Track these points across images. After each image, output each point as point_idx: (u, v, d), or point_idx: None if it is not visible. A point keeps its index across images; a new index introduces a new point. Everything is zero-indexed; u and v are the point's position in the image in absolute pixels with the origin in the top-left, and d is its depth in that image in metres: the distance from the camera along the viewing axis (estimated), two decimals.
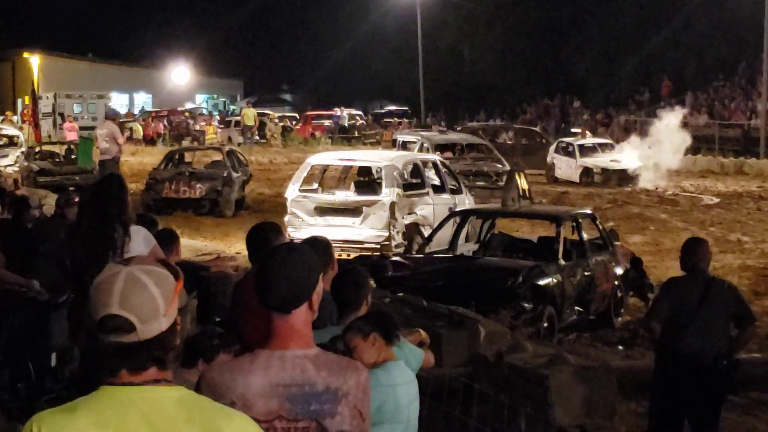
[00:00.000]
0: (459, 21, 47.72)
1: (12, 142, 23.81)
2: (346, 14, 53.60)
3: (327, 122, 41.28)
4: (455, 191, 13.08)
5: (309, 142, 36.82)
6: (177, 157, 18.71)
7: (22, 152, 22.33)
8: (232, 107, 51.43)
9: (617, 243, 10.55)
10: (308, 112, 45.30)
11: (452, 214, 11.07)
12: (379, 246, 11.54)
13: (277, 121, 38.30)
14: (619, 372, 6.22)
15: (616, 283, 9.72)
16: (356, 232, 11.73)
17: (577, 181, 23.77)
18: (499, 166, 18.88)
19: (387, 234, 11.62)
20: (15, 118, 34.85)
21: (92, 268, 4.68)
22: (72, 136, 27.68)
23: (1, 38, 49.92)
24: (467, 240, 10.79)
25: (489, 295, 8.05)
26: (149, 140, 35.66)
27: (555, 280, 8.65)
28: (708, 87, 36.92)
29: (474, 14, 47.01)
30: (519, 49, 47.00)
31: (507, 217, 12.03)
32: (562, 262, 8.98)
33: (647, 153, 23.65)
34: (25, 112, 32.23)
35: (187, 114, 41.02)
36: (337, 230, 11.36)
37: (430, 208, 12.35)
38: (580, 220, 9.88)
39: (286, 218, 12.02)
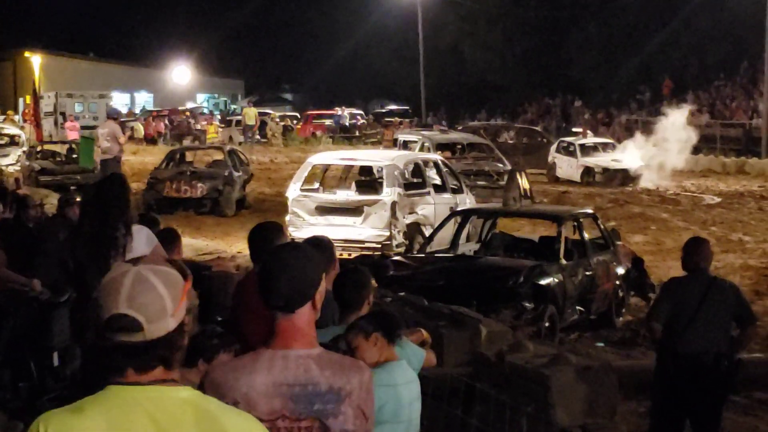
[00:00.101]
0: (460, 20, 47.70)
1: (13, 141, 23.85)
2: (347, 14, 53.60)
3: (328, 122, 41.28)
4: (456, 191, 13.08)
5: (310, 142, 36.82)
6: (178, 156, 18.72)
7: (24, 151, 22.37)
8: (233, 106, 51.46)
9: (618, 243, 10.54)
10: (309, 112, 45.29)
11: (453, 213, 11.06)
12: (380, 245, 11.55)
13: (278, 120, 38.28)
14: (621, 372, 6.21)
15: (617, 282, 9.71)
16: (357, 232, 11.73)
17: (578, 180, 23.76)
18: (500, 165, 18.87)
19: (388, 233, 11.62)
20: (16, 118, 34.89)
21: (94, 268, 4.70)
22: (73, 135, 27.70)
23: (3, 38, 49.94)
24: (468, 239, 10.78)
25: (490, 295, 8.05)
26: (150, 140, 35.68)
27: (556, 280, 8.65)
28: (709, 86, 36.90)
29: (475, 13, 46.99)
30: (520, 49, 47.00)
31: (508, 216, 12.03)
32: (564, 261, 8.97)
33: (652, 152, 23.63)
34: (27, 111, 32.22)
35: (188, 113, 41.03)
36: (338, 230, 11.36)
37: (431, 207, 12.35)
38: (581, 220, 9.87)
39: (288, 218, 12.02)
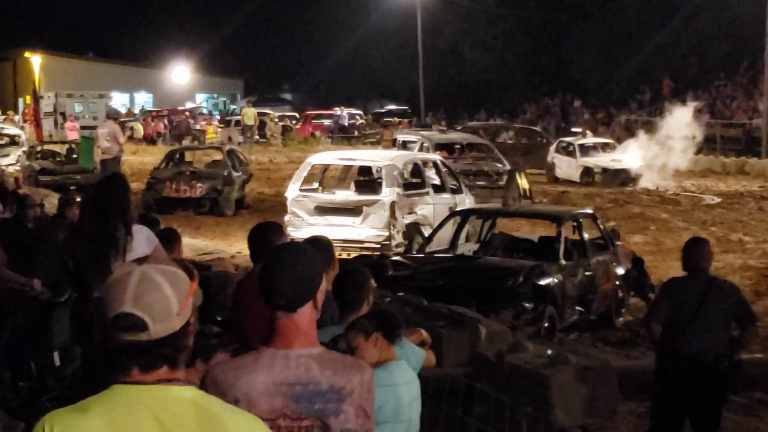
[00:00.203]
0: (459, 20, 47.69)
1: (13, 141, 23.85)
2: (346, 14, 53.59)
3: (327, 122, 41.27)
4: (455, 191, 13.08)
5: (309, 142, 36.82)
6: (177, 156, 18.72)
7: (24, 151, 22.37)
8: (232, 107, 51.45)
9: (618, 243, 10.54)
10: (308, 112, 45.29)
11: (453, 213, 11.06)
12: (379, 246, 11.55)
13: (277, 120, 38.28)
14: (620, 372, 6.22)
15: (617, 283, 9.71)
16: (356, 232, 11.74)
17: (578, 180, 23.75)
18: (500, 165, 18.87)
19: (387, 234, 11.63)
20: (16, 118, 34.89)
21: (94, 268, 4.70)
22: (73, 135, 27.70)
23: (3, 38, 49.93)
24: (468, 240, 10.78)
25: (490, 295, 8.05)
26: (149, 140, 35.68)
27: (556, 280, 8.65)
28: (709, 86, 36.90)
29: (474, 13, 46.99)
30: (519, 48, 46.98)
31: (507, 216, 12.02)
32: (563, 261, 8.97)
33: (655, 152, 23.62)
34: (27, 111, 32.26)
35: (187, 113, 41.03)
36: (337, 230, 11.36)
37: (430, 207, 12.35)
38: (581, 220, 9.87)
39: (287, 218, 12.02)
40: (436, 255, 9.77)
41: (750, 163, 27.83)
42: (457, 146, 20.40)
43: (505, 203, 10.29)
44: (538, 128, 32.39)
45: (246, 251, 4.09)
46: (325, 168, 14.11)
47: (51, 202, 12.41)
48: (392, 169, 12.12)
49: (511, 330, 6.99)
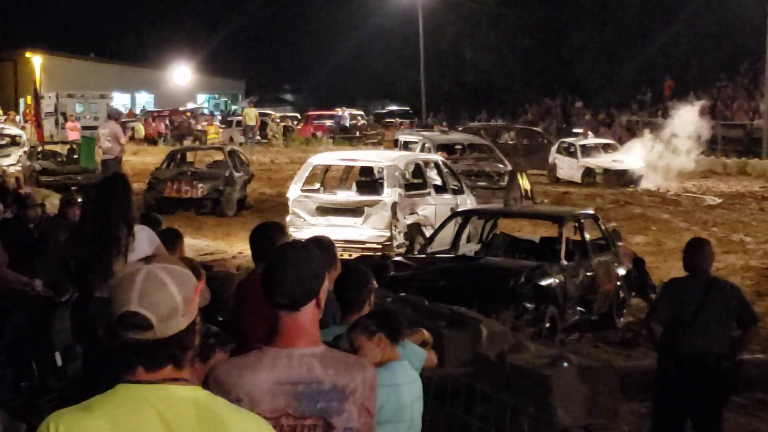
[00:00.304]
0: (460, 21, 47.70)
1: (14, 141, 23.87)
2: (348, 14, 53.64)
3: (328, 122, 41.27)
4: (457, 191, 13.08)
5: (310, 142, 36.82)
6: (179, 156, 18.74)
7: (25, 152, 22.39)
8: (233, 107, 51.47)
9: (619, 243, 10.54)
10: (310, 112, 45.30)
11: (454, 214, 11.06)
12: (380, 246, 11.55)
13: (278, 121, 38.28)
14: (622, 372, 6.22)
15: (618, 283, 9.71)
16: (358, 232, 11.73)
17: (579, 181, 23.75)
18: (501, 166, 18.87)
19: (389, 234, 11.63)
20: (18, 118, 34.91)
21: (96, 268, 4.70)
22: (74, 135, 27.72)
23: (4, 38, 49.95)
24: (469, 240, 10.78)
25: (491, 296, 8.05)
26: (150, 140, 35.70)
27: (557, 281, 8.65)
28: (710, 87, 36.89)
29: (475, 14, 46.99)
30: (520, 49, 46.98)
31: (509, 217, 12.02)
32: (565, 262, 8.97)
33: (656, 153, 23.60)
34: (28, 111, 32.24)
35: (188, 114, 41.04)
36: (338, 230, 11.36)
37: (431, 208, 12.35)
38: (582, 221, 9.87)
39: (288, 218, 12.03)
40: (437, 255, 9.77)
41: (751, 163, 27.81)
42: (459, 147, 20.40)
43: (507, 204, 10.30)
44: (539, 129, 32.39)
45: (247, 251, 4.10)
46: (327, 168, 14.11)
47: (52, 202, 12.43)
48: (394, 170, 12.12)
49: (513, 330, 6.99)
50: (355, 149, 28.13)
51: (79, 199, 7.41)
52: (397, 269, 8.96)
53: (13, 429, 4.81)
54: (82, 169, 19.26)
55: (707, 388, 5.14)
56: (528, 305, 8.17)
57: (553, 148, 25.59)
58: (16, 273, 6.59)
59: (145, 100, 53.75)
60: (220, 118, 42.06)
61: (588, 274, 9.20)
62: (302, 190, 12.39)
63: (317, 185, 13.39)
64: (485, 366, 5.83)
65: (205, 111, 46.14)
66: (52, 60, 45.24)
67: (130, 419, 1.74)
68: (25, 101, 40.04)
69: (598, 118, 37.20)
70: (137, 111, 46.43)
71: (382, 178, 12.43)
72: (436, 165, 13.55)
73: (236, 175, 17.24)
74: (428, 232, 11.48)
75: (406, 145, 19.91)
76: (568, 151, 24.84)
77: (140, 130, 36.01)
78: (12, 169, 20.87)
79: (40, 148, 22.25)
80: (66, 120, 33.98)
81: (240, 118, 37.83)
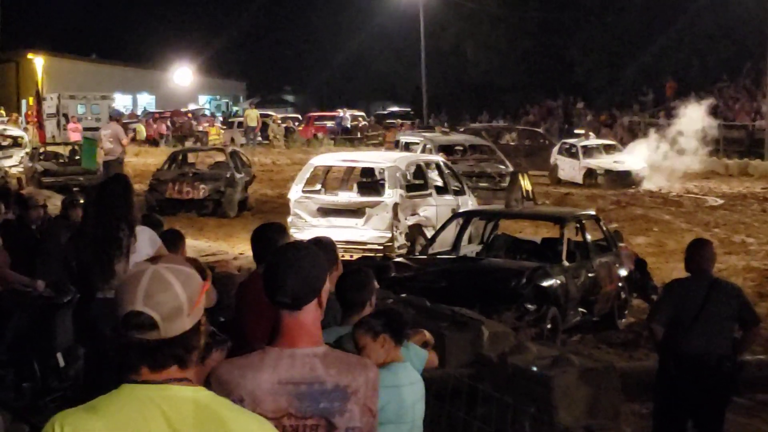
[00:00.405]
0: (461, 21, 47.71)
1: (16, 142, 23.93)
2: (349, 15, 53.65)
3: (329, 123, 41.28)
4: (458, 192, 13.08)
5: (311, 143, 36.84)
6: (180, 157, 18.75)
7: (27, 153, 22.43)
8: (234, 108, 51.47)
9: (621, 244, 10.54)
10: (311, 113, 45.31)
11: (455, 215, 11.06)
12: (382, 247, 11.55)
13: (279, 122, 38.30)
14: (623, 373, 6.21)
15: (620, 284, 9.71)
16: (359, 233, 11.74)
17: (581, 182, 23.74)
18: (503, 167, 18.87)
19: (390, 235, 11.63)
20: (20, 119, 34.96)
21: (97, 269, 4.71)
22: (76, 136, 27.76)
23: (6, 39, 49.92)
24: (470, 241, 10.78)
25: (492, 296, 8.05)
26: (152, 141, 35.73)
27: (559, 282, 8.65)
28: (712, 88, 36.87)
29: (477, 14, 46.99)
30: (522, 50, 46.98)
31: (510, 218, 12.03)
32: (566, 263, 8.97)
33: (658, 154, 23.57)
34: (30, 113, 32.31)
35: (190, 115, 41.07)
36: (340, 231, 11.36)
37: (433, 209, 12.36)
38: (583, 222, 9.87)
39: (289, 219, 12.03)
40: (438, 256, 9.77)
41: (753, 164, 27.79)
42: (460, 148, 20.40)
43: (508, 205, 10.31)
44: (540, 130, 32.39)
45: (249, 253, 4.11)
46: (328, 169, 14.12)
47: (54, 203, 12.43)
48: (395, 171, 12.12)
49: (514, 331, 6.99)
50: (356, 150, 28.14)
51: (81, 200, 7.42)
52: (399, 270, 8.96)
53: (15, 430, 4.82)
54: (83, 170, 19.28)
55: (709, 389, 5.14)
56: (529, 306, 8.17)
57: (555, 149, 25.58)
58: (18, 274, 6.60)
59: (146, 101, 53.78)
60: (221, 119, 42.08)
61: (589, 275, 9.20)
62: (303, 191, 12.40)
63: (318, 186, 13.39)
64: (487, 367, 5.83)
65: (207, 112, 46.18)
66: (54, 61, 45.30)
67: (134, 419, 1.75)
68: (27, 102, 40.11)
69: (599, 119, 37.18)
70: (139, 112, 46.46)
71: (383, 179, 12.44)
72: (438, 166, 13.55)
73: (237, 176, 17.25)
74: (429, 233, 11.48)
75: (408, 146, 19.92)
76: (570, 152, 24.83)
77: (142, 131, 36.05)
78: (14, 170, 20.91)
79: (42, 150, 22.30)
80: (68, 121, 34.03)
81: (241, 119, 37.86)
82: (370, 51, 53.16)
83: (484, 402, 4.97)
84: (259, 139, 35.88)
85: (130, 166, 21.40)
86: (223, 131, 36.08)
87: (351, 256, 10.99)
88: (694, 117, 24.44)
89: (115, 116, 18.00)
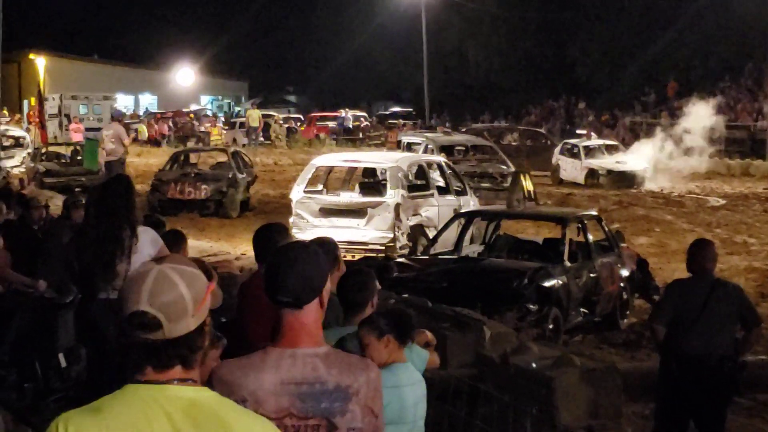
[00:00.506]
0: (463, 22, 47.71)
1: (18, 143, 23.94)
2: (351, 16, 53.64)
3: (331, 124, 41.28)
4: (460, 193, 13.08)
5: (313, 144, 36.84)
6: (182, 158, 18.76)
7: (29, 153, 22.44)
8: (236, 109, 51.48)
9: (623, 245, 10.53)
10: (313, 114, 45.32)
11: (457, 215, 11.07)
12: (383, 247, 11.56)
13: (281, 122, 38.31)
14: (625, 373, 6.21)
15: (621, 284, 9.70)
16: (361, 234, 11.74)
17: (582, 182, 23.74)
18: (504, 167, 18.87)
19: (392, 235, 11.63)
20: (22, 120, 35.00)
21: (99, 269, 4.71)
22: (78, 137, 27.77)
23: (7, 40, 49.87)
24: (472, 241, 10.78)
25: (494, 297, 8.05)
26: (154, 141, 35.74)
27: (560, 282, 8.64)
28: (714, 88, 36.84)
29: (478, 15, 47.00)
30: (523, 50, 46.99)
31: (512, 218, 12.03)
32: (568, 263, 8.97)
33: (667, 153, 23.53)
34: (32, 113, 32.30)
35: (191, 115, 41.08)
36: (341, 231, 11.37)
37: (434, 209, 12.36)
38: (585, 222, 9.87)
39: (291, 219, 12.04)
40: (440, 257, 9.77)
41: (755, 164, 27.78)
42: (462, 148, 20.40)
43: (510, 205, 10.30)
44: (542, 130, 32.39)
45: (250, 253, 4.11)
46: (330, 170, 14.12)
47: (56, 203, 12.44)
48: (397, 171, 12.12)
49: (516, 332, 6.99)
50: (358, 150, 28.14)
51: (83, 201, 7.42)
52: (400, 270, 8.96)
53: (16, 430, 4.82)
54: (85, 170, 19.30)
55: (710, 390, 5.13)
56: (531, 306, 8.17)
57: (557, 150, 25.57)
58: (19, 274, 6.61)
59: (148, 101, 53.79)
60: (223, 119, 42.08)
61: (591, 275, 9.20)
62: (305, 192, 12.40)
63: (320, 186, 13.39)
64: (488, 367, 5.83)
65: (209, 112, 46.18)
66: (55, 62, 45.35)
67: (138, 420, 1.75)
68: (29, 103, 40.12)
69: (601, 120, 37.17)
70: (140, 112, 46.48)
71: (385, 180, 12.44)
72: (439, 166, 13.55)
73: (239, 176, 17.26)
74: (431, 234, 11.48)
75: (409, 147, 19.93)
76: (572, 153, 24.83)
77: (143, 131, 36.06)
78: (16, 171, 20.93)
79: (43, 150, 22.29)
80: (70, 121, 34.05)
81: (243, 119, 37.86)
82: (372, 52, 53.16)
83: (486, 402, 4.97)
84: (261, 139, 35.88)
85: (131, 166, 21.42)
86: (225, 131, 36.08)
87: (353, 257, 11.00)
88: (699, 116, 24.40)
89: (117, 117, 18.05)
